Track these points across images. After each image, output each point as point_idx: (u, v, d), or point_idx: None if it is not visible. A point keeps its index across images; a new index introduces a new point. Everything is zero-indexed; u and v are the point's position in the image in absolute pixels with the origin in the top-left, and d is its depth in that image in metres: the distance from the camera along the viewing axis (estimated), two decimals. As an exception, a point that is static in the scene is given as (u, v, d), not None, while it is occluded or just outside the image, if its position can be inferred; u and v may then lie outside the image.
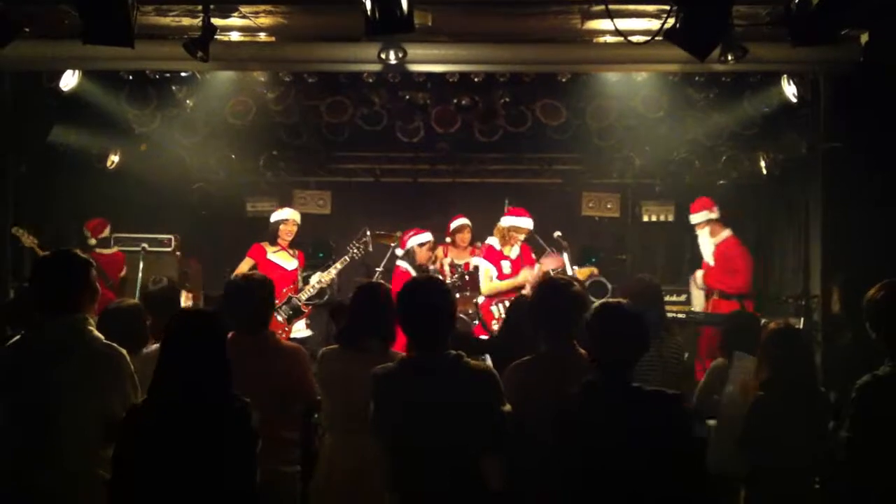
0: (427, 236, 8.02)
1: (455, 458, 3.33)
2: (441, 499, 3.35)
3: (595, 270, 8.53)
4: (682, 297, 8.73)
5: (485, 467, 3.35)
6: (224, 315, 4.50)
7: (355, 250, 7.77)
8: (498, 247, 7.82)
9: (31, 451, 3.48)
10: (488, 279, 7.70)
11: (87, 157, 8.59)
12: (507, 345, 4.43)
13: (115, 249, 8.61)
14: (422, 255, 7.94)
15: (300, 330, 7.66)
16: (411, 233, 8.02)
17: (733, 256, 8.28)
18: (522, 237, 7.78)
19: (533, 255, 7.79)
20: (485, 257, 7.83)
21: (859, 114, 6.13)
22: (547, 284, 4.08)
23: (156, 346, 4.07)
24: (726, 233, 8.38)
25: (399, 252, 8.05)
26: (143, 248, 8.38)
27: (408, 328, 3.54)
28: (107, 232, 8.62)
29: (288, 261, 7.76)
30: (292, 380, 4.22)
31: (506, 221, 7.85)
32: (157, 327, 4.53)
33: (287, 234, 7.80)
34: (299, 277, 7.77)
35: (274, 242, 7.77)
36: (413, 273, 7.69)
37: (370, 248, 7.92)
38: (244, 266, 7.49)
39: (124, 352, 3.64)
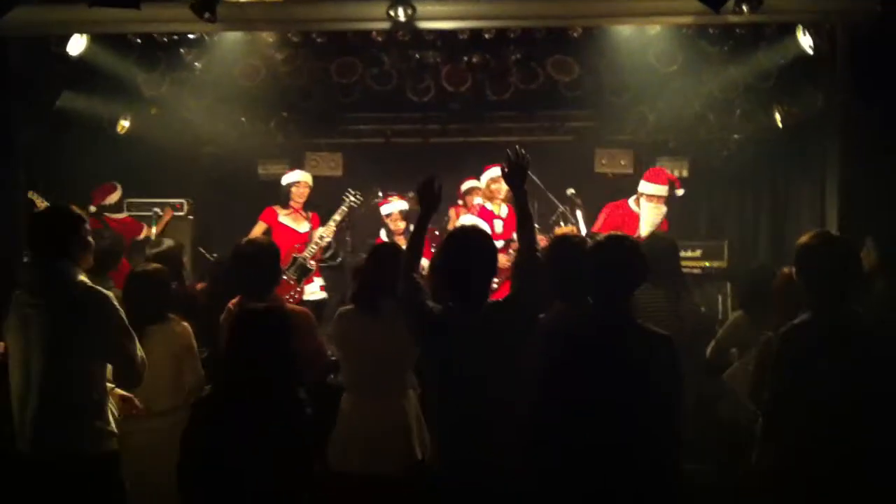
0: (390, 207, 8.03)
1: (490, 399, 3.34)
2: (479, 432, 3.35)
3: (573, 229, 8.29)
4: (698, 253, 8.67)
5: None
6: (231, 280, 4.56)
7: (351, 199, 7.73)
8: (489, 206, 7.81)
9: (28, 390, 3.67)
10: None
11: (97, 123, 8.54)
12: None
13: (125, 214, 8.60)
14: (392, 226, 7.97)
15: (314, 292, 7.64)
16: (383, 202, 8.03)
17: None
18: (503, 188, 7.67)
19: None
20: (479, 215, 7.80)
21: (877, 65, 6.01)
22: (561, 243, 4.05)
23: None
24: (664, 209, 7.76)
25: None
26: (156, 213, 8.40)
27: (449, 280, 3.51)
28: (114, 197, 8.55)
29: (300, 223, 7.75)
30: (299, 345, 4.21)
31: (483, 178, 7.86)
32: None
33: (299, 196, 7.79)
34: (311, 239, 7.76)
35: (286, 205, 7.76)
36: (384, 238, 7.75)
37: (361, 199, 7.92)
38: (257, 230, 7.49)
39: (109, 294, 3.72)
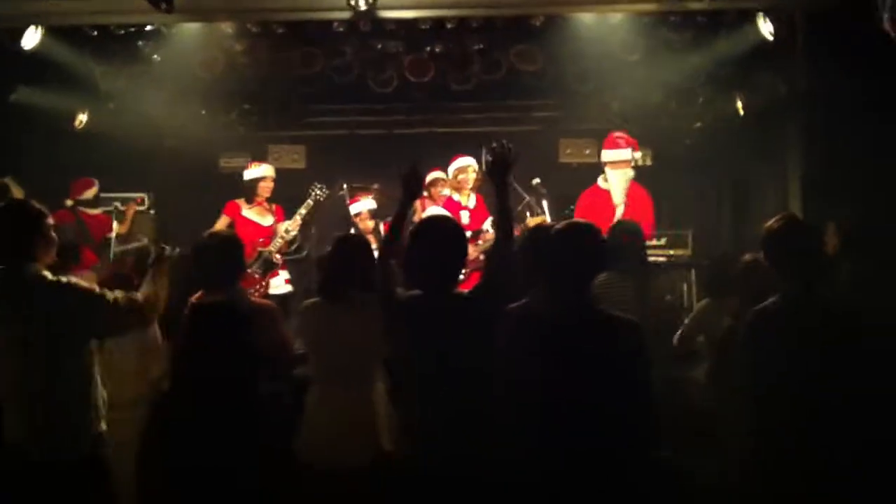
0: (360, 206, 7.95)
1: (462, 387, 3.35)
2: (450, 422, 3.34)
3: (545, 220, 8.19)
4: (663, 241, 8.69)
5: None
6: (193, 274, 4.50)
7: (317, 192, 7.60)
8: (456, 197, 7.73)
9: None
10: None
11: (54, 118, 8.40)
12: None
13: (99, 210, 8.47)
14: (361, 225, 7.89)
15: (279, 286, 7.56)
16: (354, 202, 8.00)
17: (642, 197, 7.56)
18: (470, 178, 7.64)
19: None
20: (444, 206, 7.69)
21: (837, 52, 6.06)
22: (535, 233, 4.04)
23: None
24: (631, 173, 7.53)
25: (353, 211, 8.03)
26: (116, 207, 8.26)
27: (417, 265, 3.51)
28: (91, 193, 8.41)
29: (264, 217, 7.66)
30: (264, 338, 4.17)
31: (450, 169, 7.79)
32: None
33: (266, 190, 7.69)
34: (275, 232, 7.64)
35: (251, 200, 7.65)
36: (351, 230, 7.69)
37: (327, 192, 7.76)
38: (220, 224, 7.39)
39: (71, 279, 3.66)
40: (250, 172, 7.80)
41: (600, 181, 7.37)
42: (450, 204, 7.71)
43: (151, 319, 3.83)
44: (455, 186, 7.73)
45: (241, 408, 3.41)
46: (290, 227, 7.52)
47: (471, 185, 7.69)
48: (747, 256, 4.94)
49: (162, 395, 3.61)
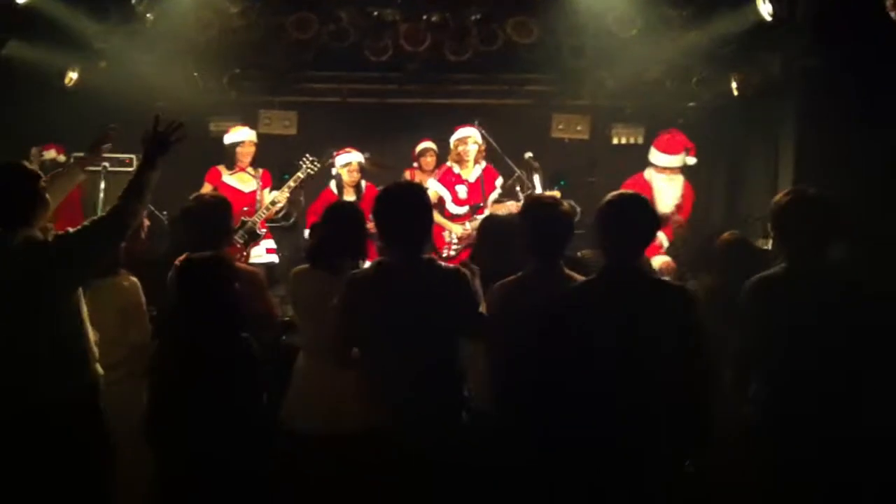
0: (349, 157, 7.74)
1: (430, 346, 3.40)
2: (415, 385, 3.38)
3: (557, 194, 8.19)
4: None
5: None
6: (180, 238, 4.50)
7: (309, 165, 7.49)
8: (457, 170, 7.58)
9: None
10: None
11: (44, 74, 8.30)
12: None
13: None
14: (347, 177, 7.69)
15: (260, 255, 7.47)
16: (340, 153, 7.81)
17: (688, 201, 7.43)
18: (471, 149, 7.47)
19: (498, 181, 7.52)
20: (439, 179, 7.63)
21: (836, 32, 6.04)
22: (535, 205, 4.05)
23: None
24: (681, 180, 7.41)
25: (334, 172, 7.87)
26: (104, 168, 8.17)
27: (384, 231, 3.56)
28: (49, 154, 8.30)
29: (246, 182, 7.56)
30: (248, 303, 4.15)
31: (452, 138, 7.64)
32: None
33: (244, 155, 7.59)
34: (259, 199, 7.55)
35: (232, 166, 7.57)
36: (335, 193, 7.57)
37: (319, 165, 7.64)
38: (204, 191, 7.31)
39: (48, 233, 3.67)
40: (229, 137, 7.72)
41: (646, 174, 7.19)
42: (447, 176, 7.59)
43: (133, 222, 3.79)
44: (455, 159, 7.59)
45: (233, 369, 3.43)
46: (277, 198, 7.43)
47: (471, 157, 7.51)
48: (727, 234, 4.98)
49: (153, 360, 3.62)
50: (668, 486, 3.27)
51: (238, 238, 7.24)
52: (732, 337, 3.80)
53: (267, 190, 7.66)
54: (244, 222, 7.34)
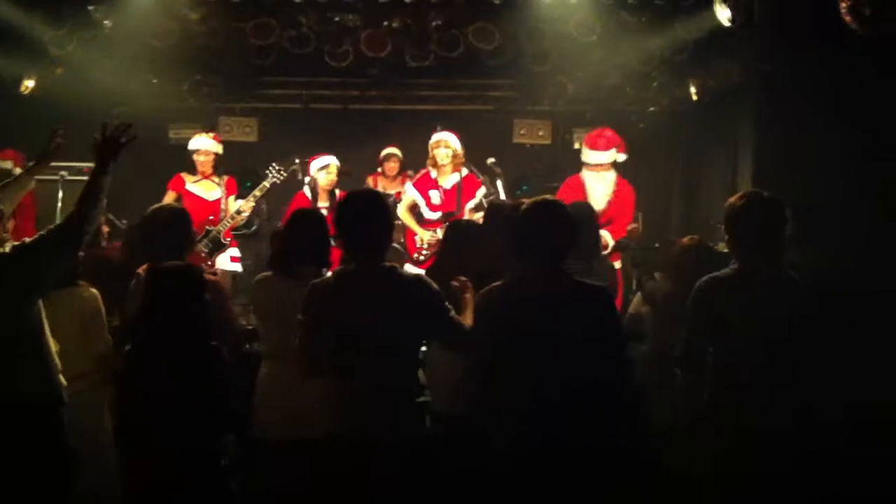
0: (325, 160, 7.60)
1: (395, 361, 3.42)
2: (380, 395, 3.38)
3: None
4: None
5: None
6: (139, 248, 4.47)
7: (275, 174, 7.42)
8: (434, 175, 7.41)
9: None
10: (406, 208, 7.42)
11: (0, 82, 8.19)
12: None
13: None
14: (325, 180, 7.54)
15: (225, 263, 7.38)
16: (315, 158, 7.70)
17: (624, 197, 7.25)
18: (442, 153, 7.27)
19: (480, 191, 7.44)
20: (414, 184, 7.55)
21: (793, 36, 6.12)
22: (492, 214, 4.06)
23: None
24: (612, 176, 7.26)
25: (307, 179, 7.76)
26: (62, 177, 8.06)
27: (344, 239, 3.57)
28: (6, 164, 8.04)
29: (210, 190, 7.46)
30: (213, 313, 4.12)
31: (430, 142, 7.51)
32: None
33: (202, 165, 7.48)
34: (223, 207, 7.44)
35: (194, 172, 7.50)
36: (309, 196, 7.49)
37: (285, 174, 7.60)
38: (167, 199, 7.23)
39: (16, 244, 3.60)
40: (191, 143, 7.64)
41: (581, 172, 7.19)
42: (423, 180, 7.44)
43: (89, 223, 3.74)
44: (431, 163, 7.46)
45: (202, 377, 3.43)
46: (242, 207, 7.34)
47: (445, 162, 7.29)
48: (685, 239, 5.04)
49: (120, 371, 3.59)
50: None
51: (202, 247, 7.15)
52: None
53: (232, 198, 7.54)
54: (209, 231, 7.25)
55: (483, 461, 3.41)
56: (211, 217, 7.35)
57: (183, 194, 7.40)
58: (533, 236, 3.45)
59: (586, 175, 7.13)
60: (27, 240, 3.63)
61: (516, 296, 3.43)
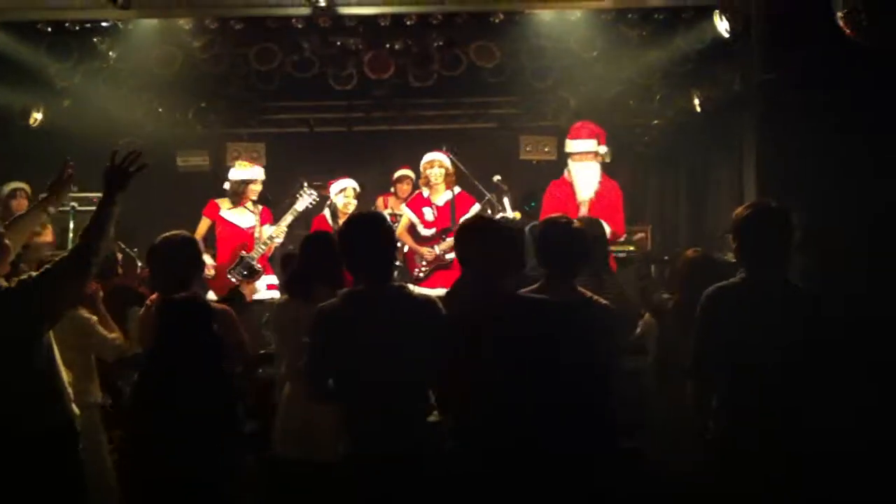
0: (343, 184, 7.67)
1: (407, 382, 3.41)
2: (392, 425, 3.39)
3: (517, 215, 7.64)
4: (622, 237, 8.73)
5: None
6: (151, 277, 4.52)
7: (307, 198, 7.36)
8: (426, 194, 7.53)
9: None
10: (403, 228, 7.48)
11: (7, 115, 8.28)
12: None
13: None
14: (341, 203, 7.59)
15: (261, 290, 7.27)
16: (335, 182, 7.75)
17: (611, 194, 7.19)
18: (436, 172, 7.38)
19: (474, 208, 7.44)
20: (408, 204, 7.63)
21: (792, 45, 6.13)
22: (546, 223, 4.08)
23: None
24: (596, 167, 7.15)
25: (328, 202, 7.77)
26: (73, 208, 8.11)
27: (350, 261, 3.60)
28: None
29: (245, 217, 7.42)
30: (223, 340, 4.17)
31: (421, 163, 7.58)
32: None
33: (254, 193, 7.44)
34: (257, 235, 7.37)
35: (237, 202, 7.41)
36: (330, 221, 7.52)
37: (318, 199, 7.51)
38: (202, 227, 7.22)
39: (17, 281, 3.60)
40: (238, 173, 7.53)
41: (567, 173, 7.18)
42: (417, 200, 7.57)
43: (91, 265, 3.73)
44: (424, 183, 7.54)
45: (216, 403, 3.48)
46: (275, 233, 7.27)
47: (439, 181, 7.41)
48: (690, 251, 5.05)
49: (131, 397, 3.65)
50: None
51: (237, 274, 7.13)
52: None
53: (266, 226, 7.48)
54: (242, 258, 7.20)
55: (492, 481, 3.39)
56: (245, 244, 7.30)
57: (217, 221, 7.38)
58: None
59: (572, 166, 7.05)
60: (33, 273, 3.65)
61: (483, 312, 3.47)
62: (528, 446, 3.28)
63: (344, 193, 7.64)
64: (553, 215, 3.99)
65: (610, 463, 3.46)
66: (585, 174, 6.97)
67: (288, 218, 7.31)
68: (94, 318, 4.70)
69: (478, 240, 3.57)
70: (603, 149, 7.17)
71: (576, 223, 3.94)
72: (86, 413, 4.19)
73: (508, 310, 3.45)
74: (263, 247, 7.25)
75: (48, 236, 7.93)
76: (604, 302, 3.71)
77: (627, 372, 4.97)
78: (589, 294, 3.73)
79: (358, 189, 7.74)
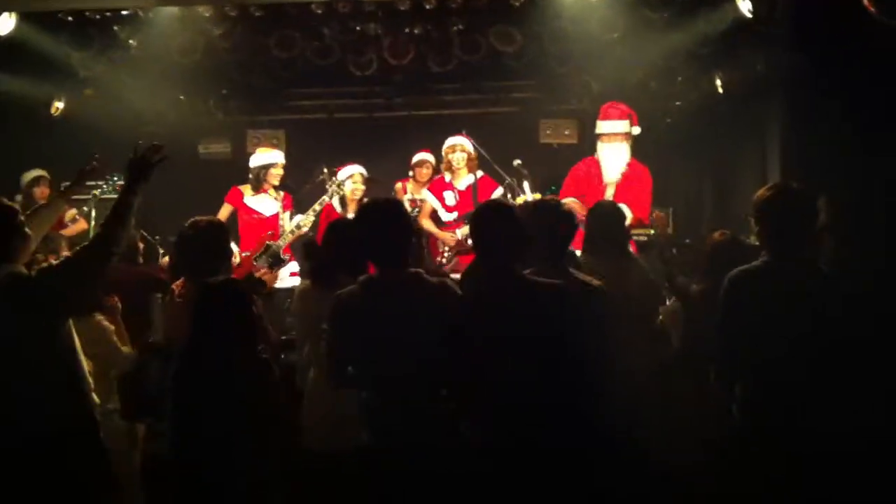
0: (349, 170, 7.61)
1: (422, 369, 3.39)
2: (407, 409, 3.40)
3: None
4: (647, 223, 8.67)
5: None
6: (177, 263, 4.53)
7: (335, 188, 7.31)
8: (448, 178, 7.52)
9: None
10: (426, 214, 7.48)
11: (30, 105, 8.32)
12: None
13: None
14: (348, 190, 7.54)
15: (284, 278, 7.22)
16: (342, 168, 7.68)
17: (640, 178, 7.11)
18: (459, 157, 7.39)
19: (497, 192, 7.42)
20: (429, 189, 7.62)
21: (816, 27, 6.06)
22: (538, 207, 4.07)
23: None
24: (626, 149, 7.09)
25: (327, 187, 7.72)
26: (94, 196, 8.16)
27: (366, 248, 3.62)
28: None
29: (267, 204, 7.41)
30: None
31: (443, 147, 7.56)
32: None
33: (275, 178, 7.40)
34: (280, 223, 7.36)
35: (258, 188, 7.40)
36: (339, 208, 7.49)
37: (343, 189, 7.45)
38: (223, 212, 7.20)
39: (38, 270, 3.64)
40: (258, 158, 7.51)
41: (597, 146, 7.10)
42: (438, 184, 7.56)
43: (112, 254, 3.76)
44: (446, 167, 7.52)
45: (258, 390, 3.58)
46: (302, 222, 7.21)
47: (460, 165, 7.40)
48: (717, 234, 4.99)
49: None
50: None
51: (263, 262, 7.12)
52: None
53: (288, 213, 7.47)
54: (269, 246, 7.14)
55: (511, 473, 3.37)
56: (270, 232, 7.26)
57: (240, 208, 7.37)
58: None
59: (600, 147, 7.02)
60: (53, 262, 3.67)
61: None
62: (540, 428, 3.25)
63: (352, 179, 7.59)
64: (543, 198, 3.92)
65: (612, 458, 3.42)
66: (613, 155, 6.93)
67: (317, 207, 7.26)
68: (112, 327, 4.72)
69: (494, 223, 3.52)
70: (636, 129, 7.12)
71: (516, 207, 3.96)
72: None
73: (523, 293, 3.41)
74: (290, 235, 7.21)
75: (82, 224, 7.99)
76: (596, 283, 3.68)
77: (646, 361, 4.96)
78: (582, 277, 3.71)
79: (366, 174, 7.69)
